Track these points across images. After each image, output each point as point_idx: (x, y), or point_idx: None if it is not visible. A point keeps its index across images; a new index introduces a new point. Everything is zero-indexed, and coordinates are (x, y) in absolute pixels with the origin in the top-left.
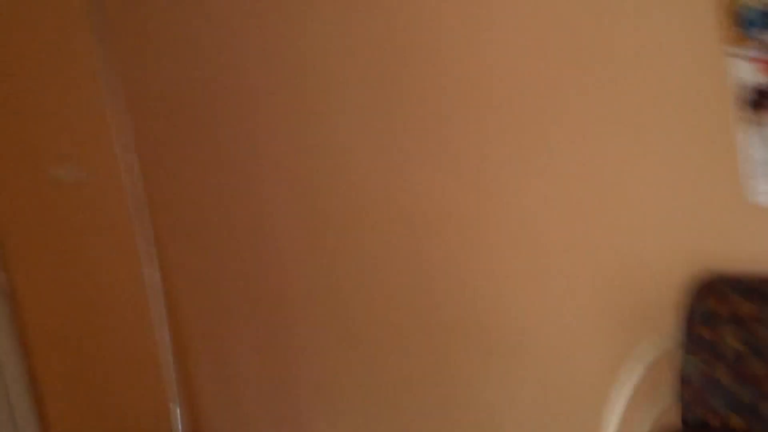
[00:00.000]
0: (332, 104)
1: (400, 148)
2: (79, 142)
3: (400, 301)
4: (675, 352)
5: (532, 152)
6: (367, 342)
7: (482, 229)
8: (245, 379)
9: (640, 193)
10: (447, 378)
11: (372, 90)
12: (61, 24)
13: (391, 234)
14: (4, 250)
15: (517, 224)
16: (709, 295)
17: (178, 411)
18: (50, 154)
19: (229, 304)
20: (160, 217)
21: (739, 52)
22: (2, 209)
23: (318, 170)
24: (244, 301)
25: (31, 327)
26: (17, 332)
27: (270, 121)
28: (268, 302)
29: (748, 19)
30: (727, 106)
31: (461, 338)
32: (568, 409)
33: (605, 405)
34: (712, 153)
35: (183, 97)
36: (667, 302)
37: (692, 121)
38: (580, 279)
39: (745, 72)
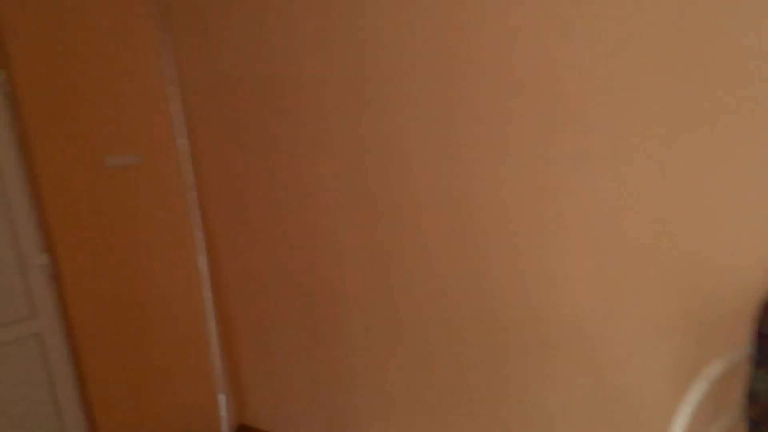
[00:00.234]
0: (390, 96)
1: (460, 142)
2: (135, 130)
3: (454, 297)
4: (744, 366)
5: (605, 149)
6: (417, 338)
7: (546, 227)
8: (292, 371)
9: (721, 198)
10: (499, 378)
11: (432, 82)
12: (123, 15)
13: (447, 229)
14: (52, 233)
15: (585, 223)
16: None
17: (225, 402)
18: (106, 141)
19: (277, 297)
20: (211, 206)
21: None
22: (55, 194)
23: (372, 164)
24: (293, 294)
25: (77, 312)
26: (64, 318)
27: (324, 112)
28: (317, 295)
29: None
30: None
31: (517, 339)
32: (627, 419)
33: (668, 418)
34: None
35: (237, 87)
36: (740, 314)
37: None
38: (651, 284)
39: None
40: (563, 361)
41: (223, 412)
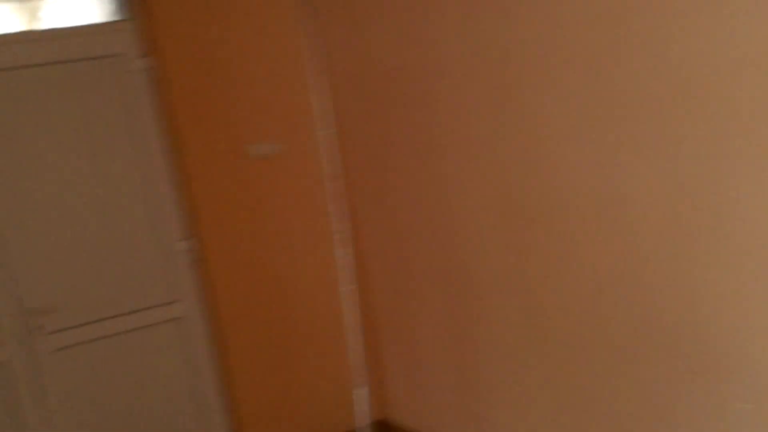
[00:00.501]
0: (537, 91)
1: (614, 141)
2: (278, 120)
3: (603, 304)
4: None
5: None
6: (561, 344)
7: (711, 233)
8: (433, 368)
9: None
10: (644, 389)
11: (584, 78)
12: (271, 4)
13: (597, 232)
14: (197, 220)
15: (758, 231)
16: None
17: (365, 396)
18: (250, 130)
19: (417, 292)
20: (355, 197)
21: None
22: (201, 181)
23: (520, 161)
24: (433, 290)
25: (220, 299)
26: (205, 303)
27: (470, 108)
28: (459, 292)
29: None
30: None
31: (668, 350)
32: None
33: None
34: None
35: (384, 79)
36: None
37: None
38: None
39: None
40: (719, 383)
41: (362, 406)
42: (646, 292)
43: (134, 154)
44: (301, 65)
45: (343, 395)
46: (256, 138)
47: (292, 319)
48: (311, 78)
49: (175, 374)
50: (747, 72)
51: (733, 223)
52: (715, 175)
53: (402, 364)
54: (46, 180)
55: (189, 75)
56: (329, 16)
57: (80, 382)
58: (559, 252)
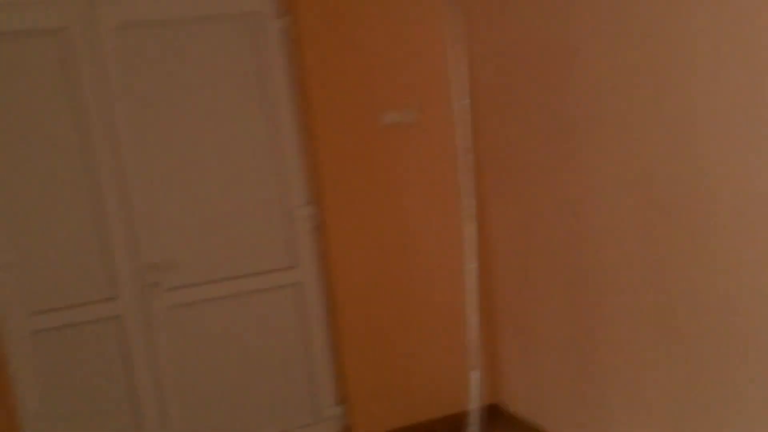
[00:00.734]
0: (697, 85)
1: None
2: (412, 88)
3: (738, 307)
4: None
5: None
6: (690, 341)
7: None
8: (549, 355)
9: None
10: None
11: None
12: None
13: (742, 234)
14: (321, 185)
15: None
16: None
17: (478, 379)
18: (383, 97)
19: (543, 276)
20: (485, 173)
21: None
22: (328, 146)
23: (667, 152)
24: (558, 278)
25: (338, 266)
26: (324, 270)
27: (614, 90)
28: (587, 281)
29: None
30: None
31: None
32: None
33: None
34: None
35: (523, 56)
36: None
37: None
38: None
39: None
40: None
41: (475, 390)
42: None
43: (263, 115)
44: (440, 33)
45: (456, 376)
46: (388, 105)
47: (410, 293)
48: (449, 47)
49: (287, 340)
50: None
51: None
52: None
53: (518, 349)
54: (175, 135)
55: (325, 37)
56: None
57: (192, 341)
58: (698, 251)
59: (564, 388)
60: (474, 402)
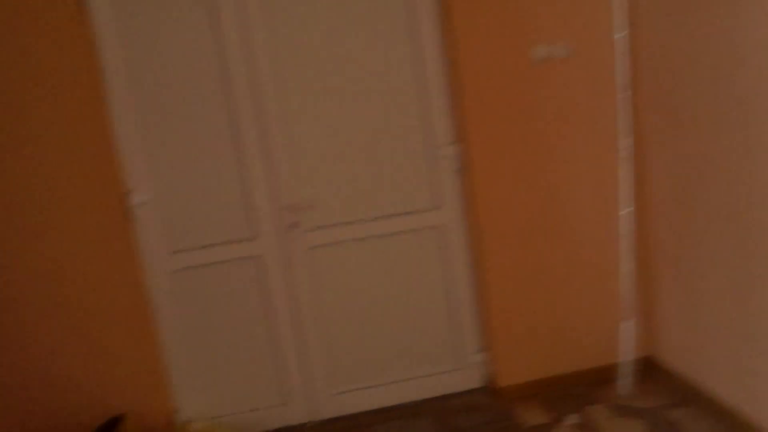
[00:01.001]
0: None
1: None
2: (566, 19)
3: None
4: None
5: None
6: None
7: None
8: (709, 310)
9: None
10: None
11: None
12: None
13: None
14: (466, 124)
15: None
16: None
17: (632, 330)
18: (534, 30)
19: (705, 225)
20: (643, 112)
21: None
22: (475, 82)
23: None
24: (724, 225)
25: (483, 208)
26: (468, 212)
27: None
28: (755, 226)
29: None
30: None
31: None
32: None
33: None
34: None
35: None
36: None
37: None
38: None
39: None
40: None
41: (627, 341)
42: None
43: (408, 50)
44: None
45: (607, 326)
46: (539, 39)
47: (559, 237)
48: None
49: (430, 283)
50: None
51: None
52: None
53: (675, 301)
54: (316, 72)
55: None
56: None
57: (332, 282)
58: None
59: (726, 343)
60: (626, 354)
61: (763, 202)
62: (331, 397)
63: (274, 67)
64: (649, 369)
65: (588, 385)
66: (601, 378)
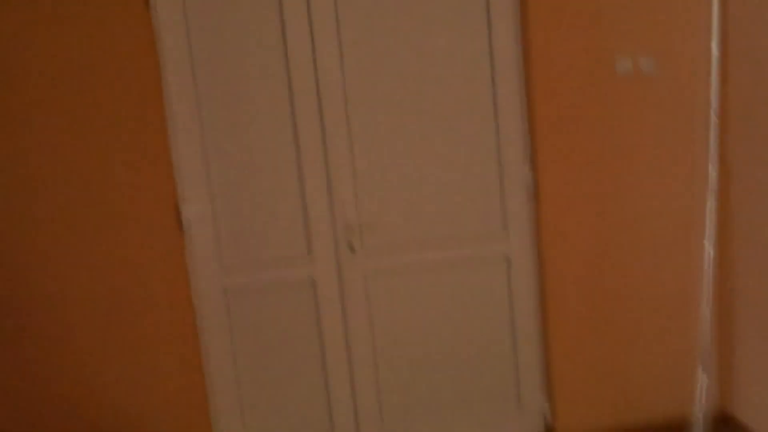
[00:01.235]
0: None
1: None
2: (654, 31)
3: None
4: None
5: None
6: None
7: None
8: None
9: None
10: None
11: None
12: None
13: None
14: (536, 144)
15: None
16: None
17: (707, 381)
18: (618, 41)
19: None
20: (733, 138)
21: None
22: (548, 97)
23: None
24: None
25: (550, 235)
26: (537, 243)
27: None
28: None
29: None
30: None
31: None
32: None
33: None
34: None
35: None
36: None
37: None
38: None
39: None
40: None
41: (701, 393)
42: None
43: (480, 65)
44: None
45: (679, 376)
46: (622, 52)
47: (632, 275)
48: None
49: (490, 318)
50: None
51: None
52: None
53: (756, 352)
54: (384, 86)
55: None
56: None
57: (387, 311)
58: None
59: None
60: (699, 408)
61: None
62: None
63: (340, 80)
64: (723, 425)
65: None
66: None
